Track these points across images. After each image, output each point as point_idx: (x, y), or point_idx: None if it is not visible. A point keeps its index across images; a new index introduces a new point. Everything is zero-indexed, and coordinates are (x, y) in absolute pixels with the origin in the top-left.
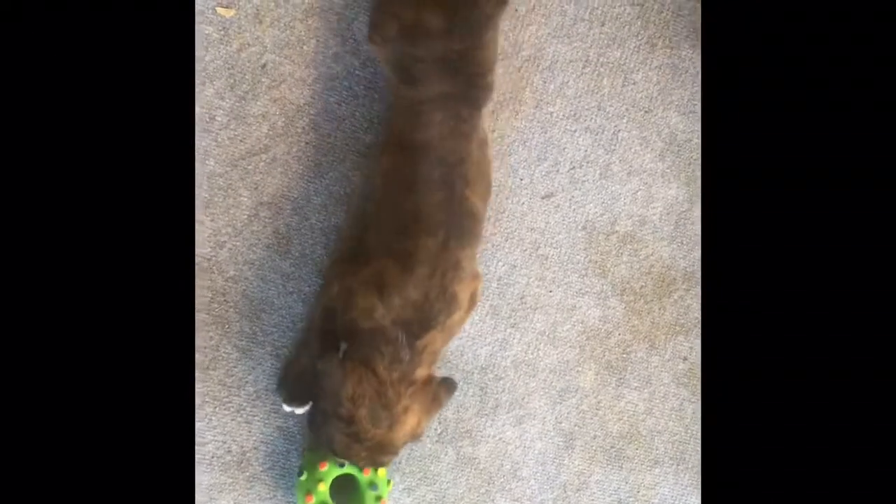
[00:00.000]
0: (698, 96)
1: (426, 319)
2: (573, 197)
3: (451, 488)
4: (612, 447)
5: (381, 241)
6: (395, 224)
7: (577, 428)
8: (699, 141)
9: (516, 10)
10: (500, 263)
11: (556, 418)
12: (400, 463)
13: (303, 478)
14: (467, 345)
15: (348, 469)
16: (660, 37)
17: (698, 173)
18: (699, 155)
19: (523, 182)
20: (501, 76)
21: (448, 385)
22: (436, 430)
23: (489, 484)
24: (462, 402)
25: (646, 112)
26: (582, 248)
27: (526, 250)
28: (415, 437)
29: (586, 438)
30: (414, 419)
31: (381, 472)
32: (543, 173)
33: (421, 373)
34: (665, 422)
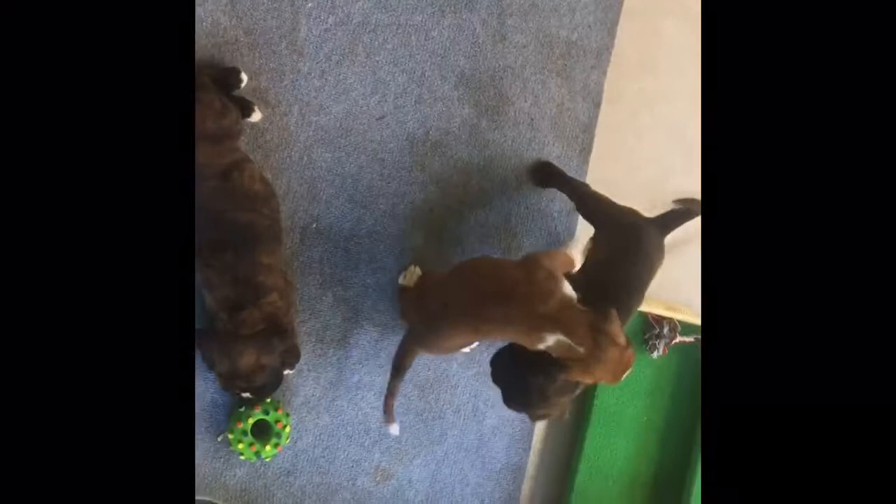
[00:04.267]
0: (478, 44)
1: (238, 303)
2: (398, 118)
3: (331, 319)
4: None
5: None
6: (206, 242)
7: None
8: (480, 75)
9: None
10: (352, 166)
11: (398, 269)
12: (300, 309)
13: (241, 409)
14: (334, 222)
15: (269, 418)
16: (448, 5)
17: (481, 97)
18: (482, 84)
19: (362, 109)
20: (340, 37)
21: (279, 334)
22: (317, 279)
23: (357, 315)
24: (334, 261)
25: (442, 57)
26: (407, 152)
27: (368, 156)
28: (260, 368)
29: None
30: (251, 357)
31: (287, 430)
32: (376, 103)
33: (246, 331)
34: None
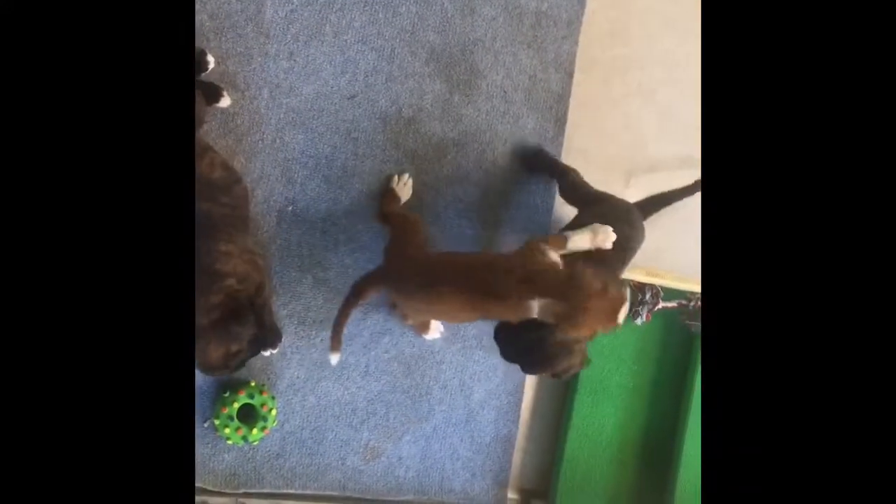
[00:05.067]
0: (447, 18)
1: (200, 289)
2: (369, 96)
3: (312, 301)
4: None
5: None
6: None
7: None
8: (451, 50)
9: None
10: (325, 146)
11: (379, 249)
12: (280, 292)
13: (225, 395)
14: (311, 204)
15: (254, 401)
16: None
17: (453, 72)
18: (453, 58)
19: (333, 89)
20: (307, 17)
21: (237, 318)
22: (296, 262)
23: (338, 296)
24: (312, 242)
25: (411, 33)
26: (380, 131)
27: (342, 136)
28: (230, 356)
29: None
30: (218, 350)
31: (273, 412)
32: (346, 82)
33: (204, 321)
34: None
